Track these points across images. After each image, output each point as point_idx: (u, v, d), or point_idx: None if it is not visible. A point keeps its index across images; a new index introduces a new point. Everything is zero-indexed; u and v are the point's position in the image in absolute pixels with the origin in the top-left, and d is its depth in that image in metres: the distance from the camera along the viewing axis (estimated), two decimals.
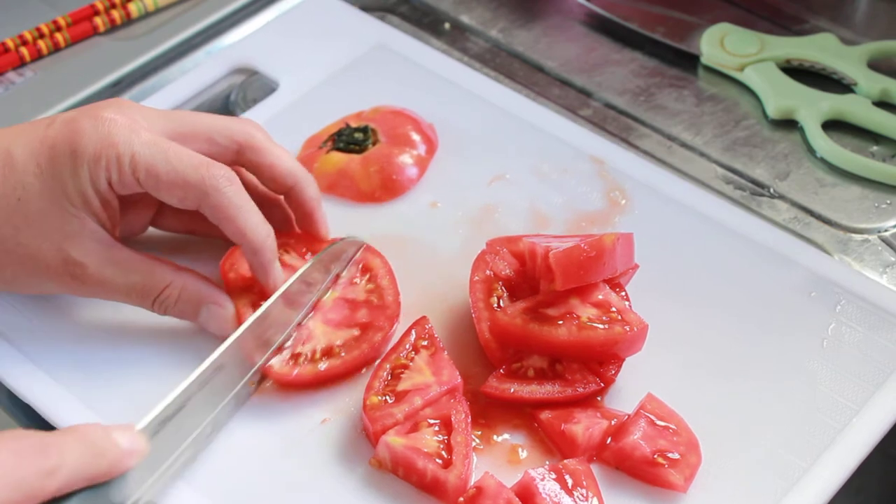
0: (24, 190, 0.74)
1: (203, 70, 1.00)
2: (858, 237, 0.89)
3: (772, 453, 0.74)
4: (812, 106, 0.96)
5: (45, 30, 1.02)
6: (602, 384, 0.75)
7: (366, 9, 1.06)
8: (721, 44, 1.01)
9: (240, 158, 0.80)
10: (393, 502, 0.71)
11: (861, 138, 0.96)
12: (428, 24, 1.07)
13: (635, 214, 0.88)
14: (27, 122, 0.78)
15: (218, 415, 0.74)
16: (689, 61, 1.02)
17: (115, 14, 1.04)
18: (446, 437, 0.72)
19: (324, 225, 0.83)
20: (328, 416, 0.76)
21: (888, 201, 0.91)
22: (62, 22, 1.03)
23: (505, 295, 0.78)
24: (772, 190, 0.92)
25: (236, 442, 0.75)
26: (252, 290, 0.79)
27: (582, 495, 0.70)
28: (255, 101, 0.98)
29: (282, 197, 0.83)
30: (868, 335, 0.80)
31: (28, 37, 1.01)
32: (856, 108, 0.96)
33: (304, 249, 0.82)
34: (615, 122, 0.98)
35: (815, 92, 0.97)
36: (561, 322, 0.74)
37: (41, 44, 1.01)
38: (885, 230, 0.89)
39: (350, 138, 0.91)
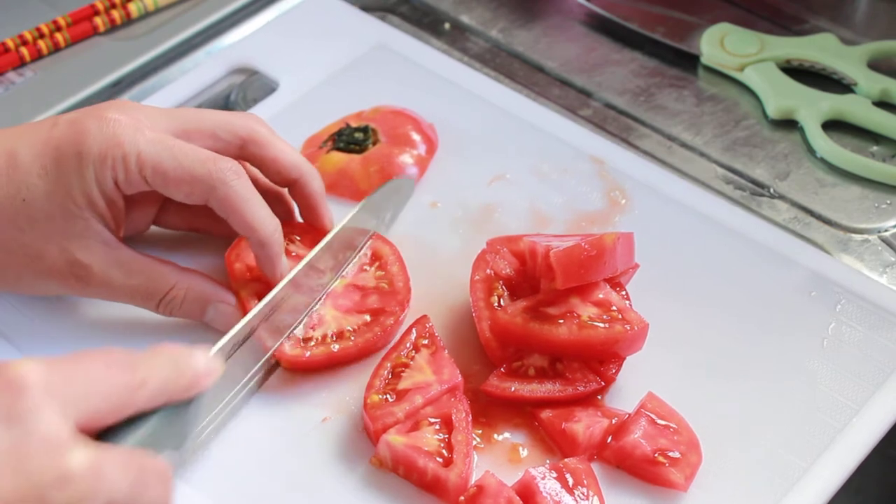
0: (28, 191, 0.74)
1: (203, 70, 1.00)
2: (858, 237, 0.89)
3: (772, 452, 0.74)
4: (812, 106, 0.96)
5: (45, 30, 1.02)
6: (603, 383, 0.75)
7: (366, 9, 1.06)
8: (721, 44, 1.01)
9: (244, 153, 0.80)
10: (394, 501, 0.71)
11: (861, 138, 0.96)
12: (428, 24, 1.08)
13: (635, 214, 0.88)
14: (30, 123, 0.78)
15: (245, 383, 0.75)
16: (689, 61, 1.02)
17: (115, 14, 1.04)
18: (447, 436, 0.72)
19: (328, 218, 0.83)
20: (329, 414, 0.76)
21: (888, 201, 0.91)
22: (62, 22, 1.03)
23: (505, 294, 0.78)
24: (772, 190, 0.93)
25: (237, 440, 0.75)
26: (258, 281, 0.79)
27: (582, 494, 0.70)
28: (255, 100, 0.98)
29: (285, 189, 0.83)
30: (868, 335, 0.80)
31: (28, 37, 1.01)
32: (856, 108, 0.96)
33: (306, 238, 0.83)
34: (615, 122, 0.98)
35: (815, 92, 0.97)
36: (561, 321, 0.74)
37: (41, 44, 1.01)
38: (885, 230, 0.89)
39: (350, 138, 0.91)
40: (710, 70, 1.02)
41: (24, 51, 1.01)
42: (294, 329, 0.78)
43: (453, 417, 0.73)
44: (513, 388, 0.75)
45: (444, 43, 1.05)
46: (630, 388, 0.76)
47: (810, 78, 0.99)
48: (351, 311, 0.79)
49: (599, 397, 0.76)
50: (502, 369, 0.76)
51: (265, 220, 0.76)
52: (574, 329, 0.74)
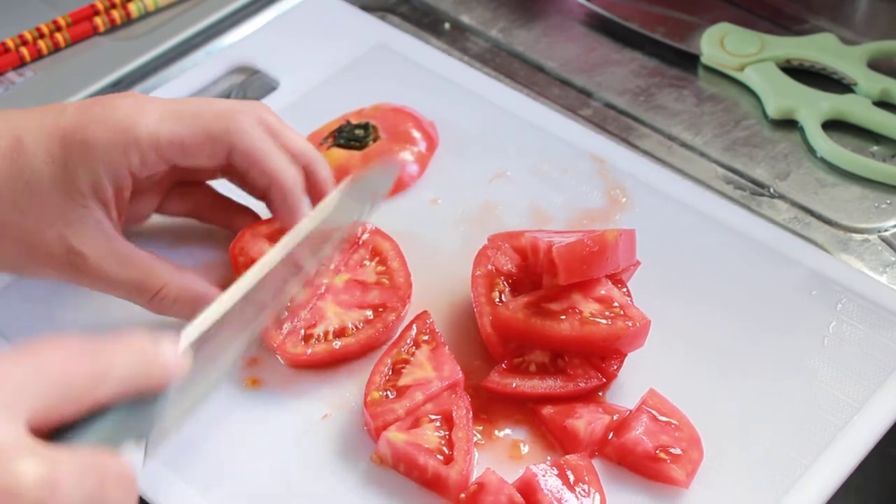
0: (32, 175, 0.74)
1: (203, 69, 1.00)
2: (858, 237, 0.89)
3: (773, 450, 0.74)
4: (812, 106, 0.96)
5: (45, 30, 1.02)
6: (604, 379, 0.75)
7: (366, 9, 1.06)
8: (721, 44, 1.01)
9: None
10: (394, 499, 0.71)
11: (861, 138, 0.96)
12: (428, 24, 1.08)
13: (636, 212, 0.88)
14: (38, 108, 0.77)
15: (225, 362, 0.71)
16: (689, 61, 1.03)
17: (115, 14, 1.04)
18: (447, 433, 0.72)
19: None
20: (329, 411, 0.76)
21: (888, 201, 0.91)
22: (62, 22, 1.03)
23: (507, 290, 0.78)
24: (772, 190, 0.92)
25: (236, 438, 0.75)
26: None
27: (584, 491, 0.70)
28: (255, 100, 0.98)
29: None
30: (869, 333, 0.80)
31: (28, 37, 1.01)
32: (856, 108, 0.96)
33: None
34: (615, 123, 0.98)
35: (815, 92, 0.97)
36: (563, 317, 0.74)
37: (41, 44, 1.01)
38: (885, 230, 0.89)
39: (351, 135, 0.91)
40: (710, 70, 1.02)
41: (24, 51, 1.01)
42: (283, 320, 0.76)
43: (454, 414, 0.73)
44: (514, 385, 0.75)
45: (444, 43, 1.05)
46: (631, 384, 0.76)
47: (810, 78, 0.99)
48: (352, 306, 0.79)
49: (601, 394, 0.76)
50: (503, 365, 0.76)
51: (287, 170, 0.77)
52: (576, 325, 0.74)
